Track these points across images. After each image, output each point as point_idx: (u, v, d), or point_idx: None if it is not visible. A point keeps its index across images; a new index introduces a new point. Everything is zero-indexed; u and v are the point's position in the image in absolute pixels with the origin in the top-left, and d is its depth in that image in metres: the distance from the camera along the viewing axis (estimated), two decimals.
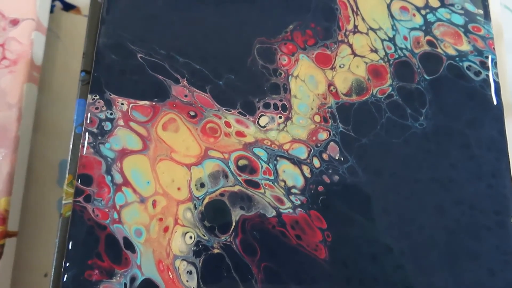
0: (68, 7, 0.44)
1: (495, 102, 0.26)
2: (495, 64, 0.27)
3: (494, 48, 0.27)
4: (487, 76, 0.26)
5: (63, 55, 0.41)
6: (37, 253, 0.33)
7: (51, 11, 0.43)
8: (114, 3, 0.27)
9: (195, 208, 0.24)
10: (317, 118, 0.26)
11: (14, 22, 0.34)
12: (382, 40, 0.27)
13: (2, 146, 0.30)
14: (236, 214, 0.24)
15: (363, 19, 0.27)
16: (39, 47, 0.35)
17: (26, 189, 0.33)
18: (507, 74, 0.45)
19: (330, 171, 0.25)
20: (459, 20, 0.27)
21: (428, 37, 0.27)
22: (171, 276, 0.23)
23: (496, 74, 0.27)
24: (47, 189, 0.35)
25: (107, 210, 0.24)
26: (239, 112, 0.26)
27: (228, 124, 0.25)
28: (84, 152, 0.25)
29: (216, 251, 0.23)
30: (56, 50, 0.41)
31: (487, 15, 0.28)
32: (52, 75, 0.39)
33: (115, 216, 0.24)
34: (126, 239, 0.23)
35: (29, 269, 0.32)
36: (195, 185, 0.24)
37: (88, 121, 0.25)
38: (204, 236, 0.24)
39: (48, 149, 0.37)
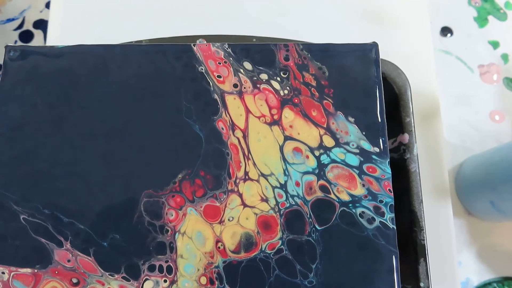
0: None
1: (388, 253, 0.25)
2: (390, 208, 0.26)
3: (390, 190, 0.26)
4: (381, 223, 0.26)
5: None
6: None
7: None
8: None
9: None
10: (203, 280, 0.25)
11: None
12: (273, 188, 0.26)
13: None
14: None
15: (254, 164, 0.26)
16: None
17: None
18: (444, 148, 0.45)
19: None
20: (354, 160, 0.27)
21: (321, 182, 0.26)
22: None
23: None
24: None
25: None
26: (123, 277, 0.25)
27: None
28: None
29: None
30: None
31: (384, 153, 0.27)
32: None
33: None
34: None
35: None
36: None
37: None
38: None
39: None
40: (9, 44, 0.29)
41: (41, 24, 0.55)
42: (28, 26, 0.55)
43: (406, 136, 0.35)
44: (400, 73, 0.37)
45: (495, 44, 0.58)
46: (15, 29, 0.55)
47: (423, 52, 0.45)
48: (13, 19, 0.55)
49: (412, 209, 0.33)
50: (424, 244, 0.33)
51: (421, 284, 0.32)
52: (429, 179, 0.42)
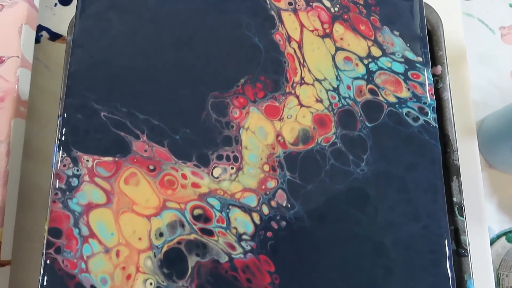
0: (55, 37, 0.46)
1: (432, 147, 0.28)
2: (432, 109, 0.29)
3: (432, 94, 0.29)
4: (425, 121, 0.28)
5: (50, 83, 0.44)
6: (31, 278, 0.35)
7: (38, 41, 0.46)
8: (78, 62, 0.30)
9: (155, 256, 0.26)
10: (266, 168, 0.28)
11: (0, 61, 0.37)
12: (327, 90, 0.29)
13: None
14: (192, 260, 0.26)
15: (309, 70, 0.29)
16: (25, 82, 0.37)
17: (19, 215, 0.35)
18: (470, 90, 0.47)
19: (278, 218, 0.27)
20: (400, 68, 0.29)
21: (370, 86, 0.29)
22: None
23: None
24: (39, 214, 0.37)
25: (75, 260, 0.26)
26: (195, 165, 0.28)
27: (184, 176, 0.28)
28: (54, 207, 0.27)
29: None
30: (44, 79, 0.44)
31: (426, 62, 0.30)
32: (40, 103, 0.41)
33: (83, 266, 0.26)
34: (93, 287, 0.26)
35: None
36: (155, 234, 0.27)
37: (57, 178, 0.27)
38: (163, 282, 0.26)
39: (38, 175, 0.39)
40: None
41: None
42: None
43: (439, 68, 0.38)
44: (432, 11, 0.40)
45: None
46: None
47: (450, 4, 0.48)
48: None
49: (445, 133, 0.36)
50: (457, 164, 0.36)
51: (454, 199, 0.35)
52: (456, 122, 0.44)
